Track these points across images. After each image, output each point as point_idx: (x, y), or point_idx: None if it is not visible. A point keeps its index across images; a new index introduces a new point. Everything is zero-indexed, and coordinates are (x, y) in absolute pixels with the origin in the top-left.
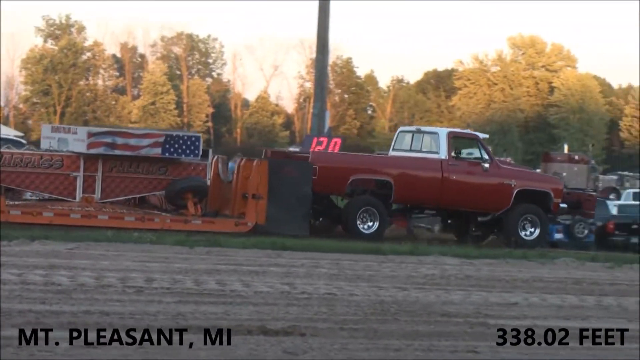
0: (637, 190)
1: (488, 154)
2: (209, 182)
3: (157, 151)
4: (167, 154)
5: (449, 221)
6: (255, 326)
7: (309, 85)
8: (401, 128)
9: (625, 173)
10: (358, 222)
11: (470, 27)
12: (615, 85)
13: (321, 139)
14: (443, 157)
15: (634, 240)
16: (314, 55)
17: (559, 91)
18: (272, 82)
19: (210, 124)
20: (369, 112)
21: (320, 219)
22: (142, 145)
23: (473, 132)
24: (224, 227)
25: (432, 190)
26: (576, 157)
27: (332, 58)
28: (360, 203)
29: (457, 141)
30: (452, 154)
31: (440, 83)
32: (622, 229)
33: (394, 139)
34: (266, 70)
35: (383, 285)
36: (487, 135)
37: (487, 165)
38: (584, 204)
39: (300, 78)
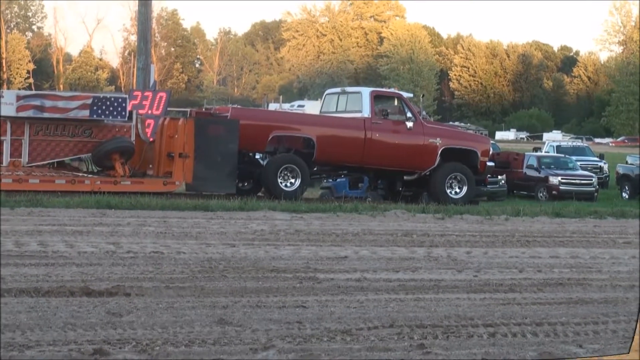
0: None
1: (412, 112)
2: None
3: (85, 113)
4: (95, 116)
5: (379, 182)
6: (78, 287)
7: (134, 38)
8: (328, 91)
9: (457, 124)
10: (279, 180)
11: None
12: (444, 35)
13: (146, 93)
14: (366, 115)
15: None
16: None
17: (388, 42)
18: (96, 35)
19: (31, 80)
20: (197, 65)
21: (250, 181)
22: (70, 108)
23: (397, 91)
24: (153, 187)
25: (355, 149)
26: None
27: (156, 10)
28: (281, 160)
29: (381, 100)
30: (381, 113)
31: (268, 35)
32: None
33: (322, 102)
34: (89, 24)
35: (211, 242)
36: (411, 94)
37: (411, 123)
38: (512, 163)
39: (125, 31)
